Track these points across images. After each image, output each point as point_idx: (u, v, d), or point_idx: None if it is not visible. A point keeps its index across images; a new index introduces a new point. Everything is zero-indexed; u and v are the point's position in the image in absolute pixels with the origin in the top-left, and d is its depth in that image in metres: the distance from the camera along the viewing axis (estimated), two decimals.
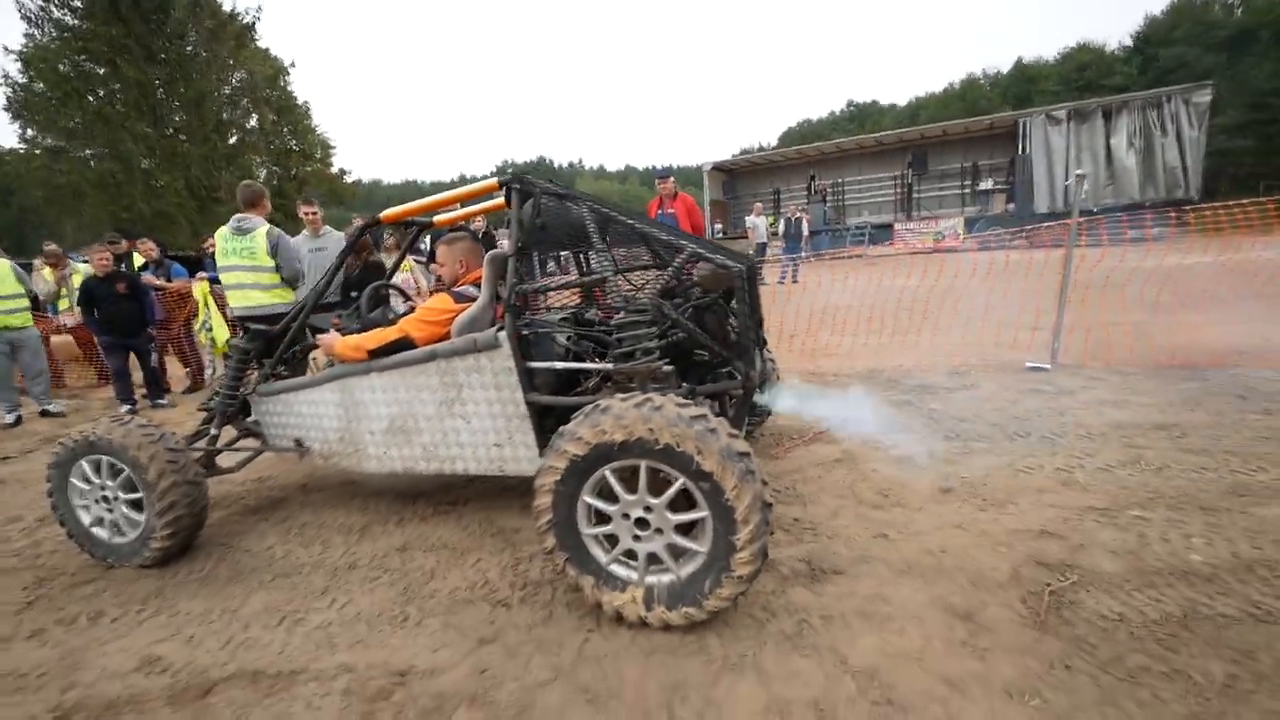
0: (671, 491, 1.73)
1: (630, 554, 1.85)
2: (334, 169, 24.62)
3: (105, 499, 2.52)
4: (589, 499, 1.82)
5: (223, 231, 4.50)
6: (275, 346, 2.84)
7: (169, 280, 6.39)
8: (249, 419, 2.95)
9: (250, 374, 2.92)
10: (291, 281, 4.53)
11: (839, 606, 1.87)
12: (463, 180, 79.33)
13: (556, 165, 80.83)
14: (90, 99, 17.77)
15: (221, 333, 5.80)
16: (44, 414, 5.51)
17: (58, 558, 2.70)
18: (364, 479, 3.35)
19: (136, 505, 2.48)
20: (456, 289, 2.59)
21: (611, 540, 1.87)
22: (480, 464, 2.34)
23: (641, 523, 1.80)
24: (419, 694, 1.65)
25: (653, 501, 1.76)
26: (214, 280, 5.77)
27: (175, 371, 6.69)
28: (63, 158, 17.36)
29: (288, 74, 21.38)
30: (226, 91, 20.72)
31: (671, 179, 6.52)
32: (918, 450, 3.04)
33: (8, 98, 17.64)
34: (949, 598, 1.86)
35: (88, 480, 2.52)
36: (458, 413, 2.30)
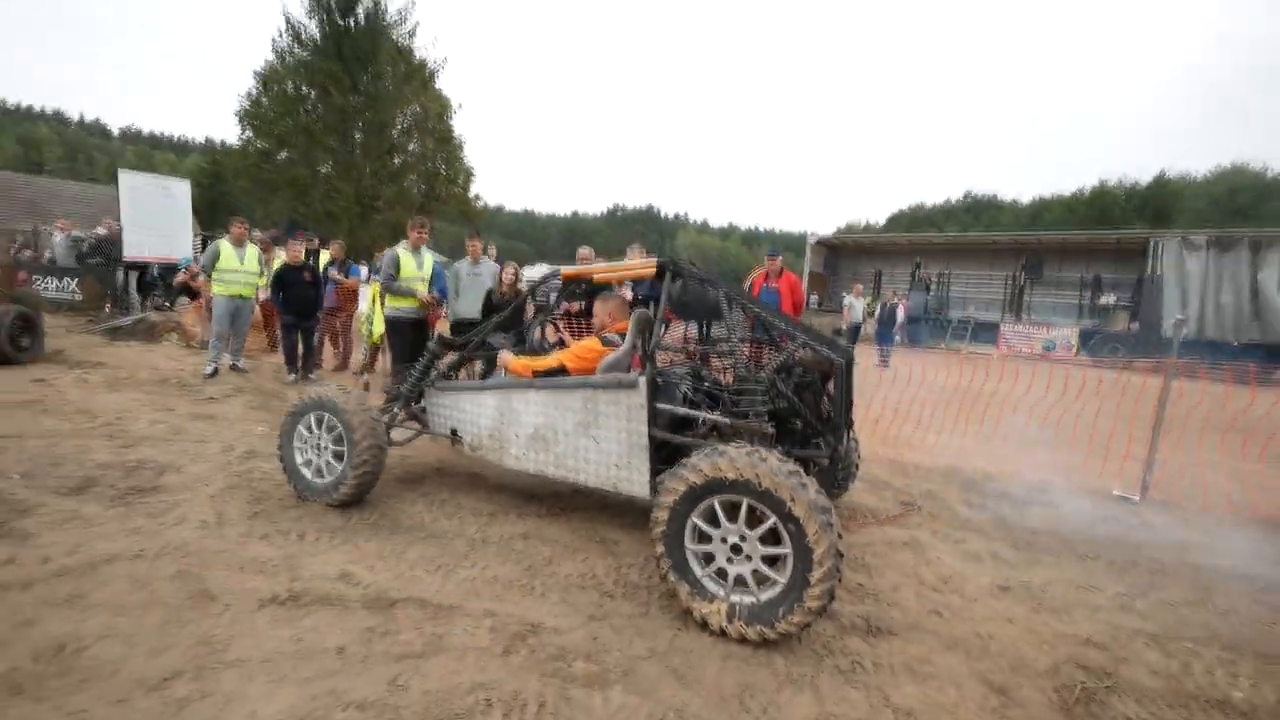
0: (764, 527, 2.19)
1: (721, 573, 2.31)
2: (470, 193, 27.41)
3: (317, 447, 3.30)
4: (697, 520, 2.31)
5: (404, 255, 5.58)
6: (465, 348, 3.57)
7: (347, 277, 7.68)
8: (417, 406, 3.69)
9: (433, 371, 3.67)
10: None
11: (889, 659, 2.20)
12: (576, 216, 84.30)
13: (663, 215, 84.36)
14: (299, 116, 21.51)
15: (379, 328, 6.88)
16: (233, 368, 6.76)
17: (265, 485, 3.52)
18: (493, 472, 4.00)
19: (338, 456, 3.23)
20: (605, 335, 3.24)
21: (708, 559, 2.34)
22: (599, 479, 2.87)
23: (735, 549, 2.27)
24: (546, 643, 2.16)
25: (747, 533, 2.23)
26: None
27: (326, 352, 7.91)
28: (270, 159, 21.07)
29: (454, 113, 24.64)
30: (402, 123, 24.10)
31: (780, 258, 7.06)
32: (984, 549, 3.26)
33: (242, 109, 21.73)
34: (988, 674, 2.15)
35: (310, 430, 3.32)
36: (592, 434, 2.86)
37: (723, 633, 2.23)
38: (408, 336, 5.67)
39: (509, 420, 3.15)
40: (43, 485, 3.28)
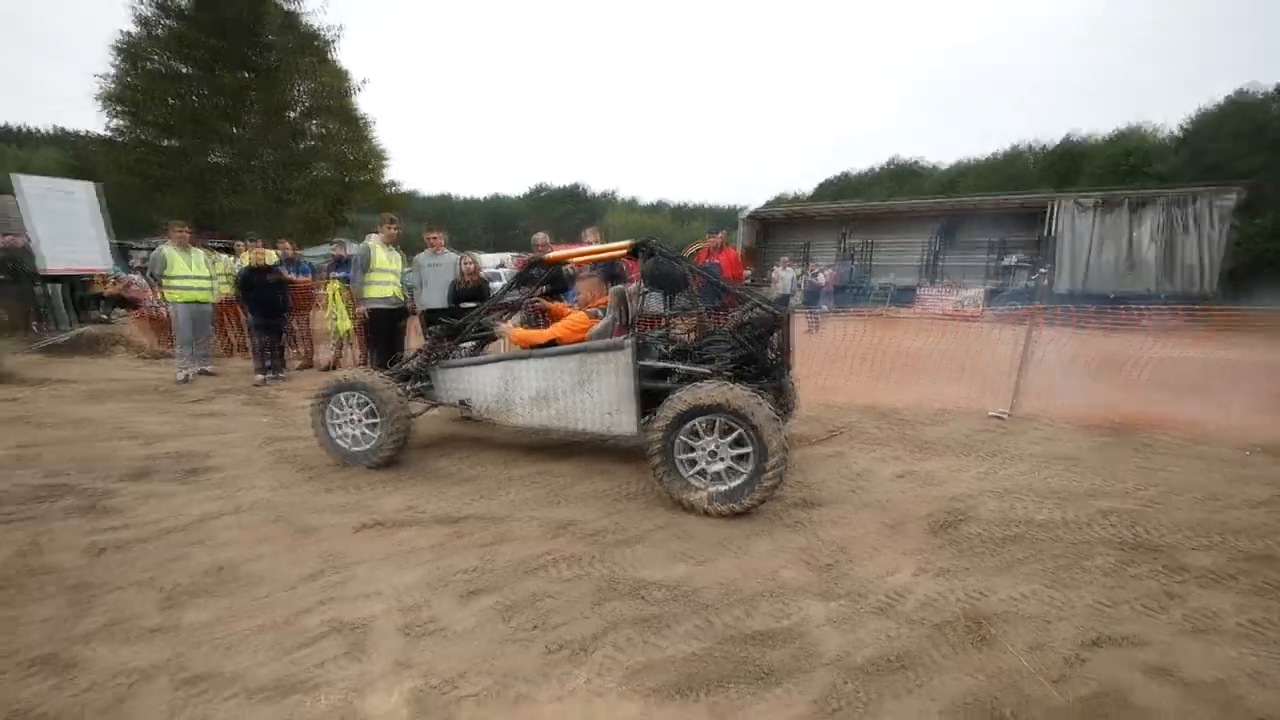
0: (733, 436, 3.21)
1: (701, 472, 3.32)
2: (384, 179, 26.75)
3: (351, 420, 4.05)
4: (683, 437, 3.30)
5: (378, 249, 6.22)
6: (457, 335, 4.38)
7: (298, 275, 8.10)
8: (419, 383, 4.41)
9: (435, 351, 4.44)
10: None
11: (820, 518, 3.31)
12: (497, 198, 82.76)
13: (590, 193, 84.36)
14: (178, 99, 20.32)
15: (344, 323, 7.43)
16: (202, 373, 7.13)
17: (306, 457, 4.22)
18: (497, 436, 4.85)
19: (372, 426, 4.00)
20: (590, 309, 4.16)
21: (692, 463, 3.34)
22: (595, 426, 3.76)
23: (711, 454, 3.28)
24: (582, 529, 3.12)
25: (720, 441, 3.24)
26: (345, 279, 7.47)
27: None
28: (157, 150, 19.86)
29: (358, 90, 23.89)
30: (301, 102, 23.20)
31: (722, 234, 8.16)
32: (889, 455, 4.48)
33: (105, 90, 20.15)
34: (886, 520, 3.30)
35: (340, 407, 4.06)
36: (587, 390, 3.74)
37: (705, 513, 3.25)
38: (385, 325, 6.33)
39: (513, 386, 3.98)
40: (103, 476, 3.86)
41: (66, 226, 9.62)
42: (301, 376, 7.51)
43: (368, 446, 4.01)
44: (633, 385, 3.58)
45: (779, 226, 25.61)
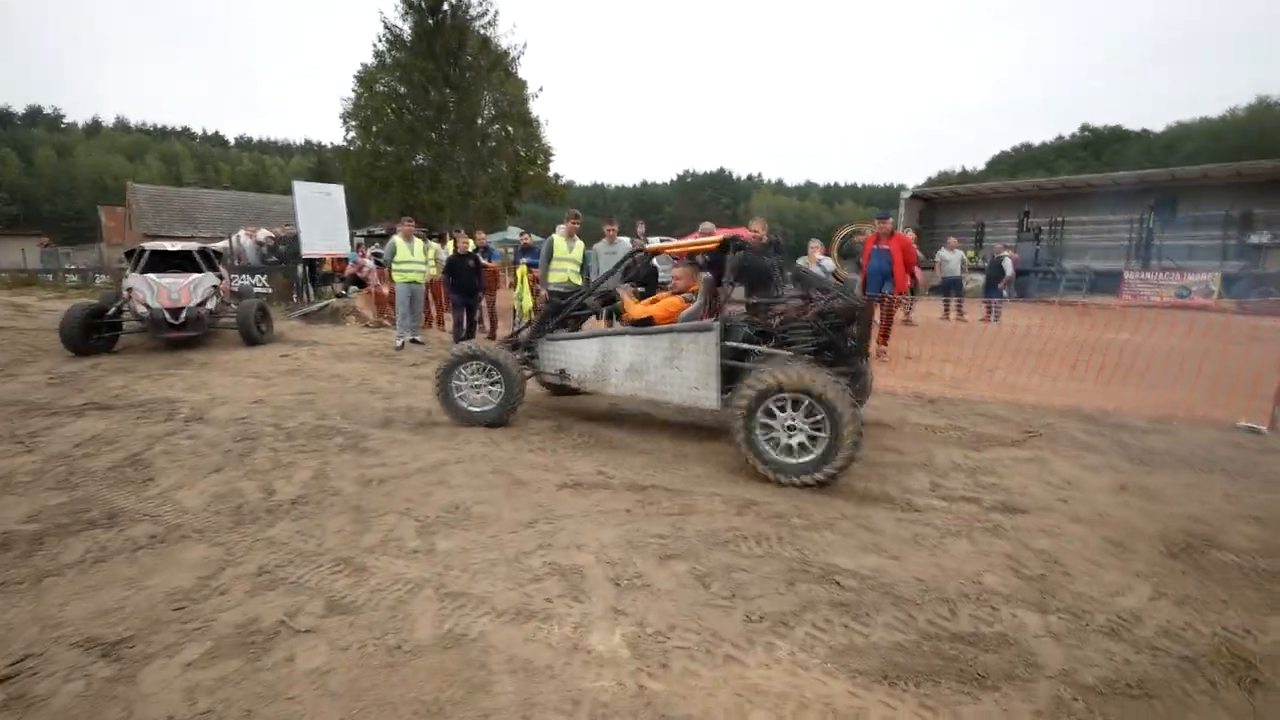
0: (814, 414, 3.31)
1: (774, 440, 3.46)
2: (550, 173, 28.67)
3: (475, 386, 4.56)
4: (763, 413, 3.44)
5: (559, 240, 6.73)
6: (570, 307, 4.76)
7: (489, 261, 9.02)
8: (525, 353, 4.70)
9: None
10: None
11: (1025, 525, 3.00)
12: (644, 186, 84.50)
13: (735, 176, 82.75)
14: (395, 114, 23.58)
15: (527, 303, 8.14)
16: (413, 341, 8.28)
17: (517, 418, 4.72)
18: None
19: (494, 386, 4.50)
20: (684, 294, 4.42)
21: (771, 438, 3.48)
22: (681, 398, 4.02)
23: (790, 428, 3.41)
24: (765, 510, 3.14)
25: (798, 416, 3.37)
26: (529, 264, 8.19)
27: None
28: (383, 157, 23.39)
29: (534, 97, 25.88)
30: (490, 110, 25.66)
31: (890, 219, 7.59)
32: (1102, 463, 3.89)
33: (345, 110, 24.11)
34: (1107, 535, 2.90)
35: (465, 376, 4.55)
36: (675, 365, 4.00)
37: (778, 482, 3.41)
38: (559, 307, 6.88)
39: (610, 359, 4.29)
40: (360, 422, 4.67)
41: (323, 220, 11.61)
42: None
43: (492, 406, 4.48)
44: (717, 363, 3.80)
45: (945, 206, 23.10)
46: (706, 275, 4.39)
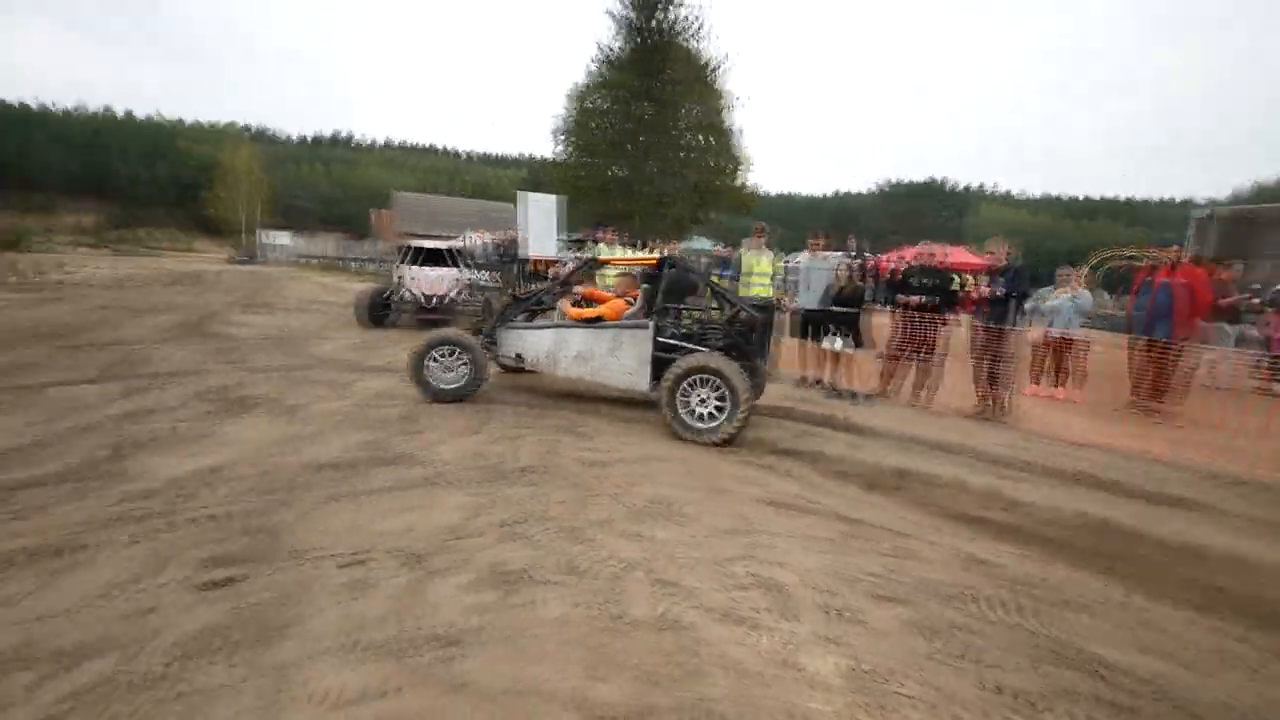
0: (716, 388, 4.41)
1: (693, 413, 4.52)
2: (739, 182, 28.61)
3: (447, 368, 5.08)
4: (682, 387, 4.49)
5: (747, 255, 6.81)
6: (522, 304, 5.65)
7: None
8: (486, 339, 5.31)
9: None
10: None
11: None
12: (841, 196, 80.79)
13: (950, 186, 74.68)
14: (600, 129, 25.70)
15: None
16: None
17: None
18: (543, 383, 5.88)
19: (464, 366, 5.06)
20: (626, 298, 5.37)
21: (686, 405, 4.53)
22: (619, 382, 5.01)
23: (701, 398, 4.48)
24: (1000, 573, 2.83)
25: (707, 392, 4.46)
26: (721, 275, 8.40)
27: None
28: (584, 168, 25.85)
29: (734, 108, 26.25)
30: (684, 121, 26.70)
31: (1183, 247, 6.33)
32: None
33: (558, 127, 26.94)
34: None
35: (436, 360, 5.04)
36: (615, 354, 4.98)
37: (692, 441, 4.44)
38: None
39: (561, 347, 5.14)
40: (570, 407, 5.23)
41: (541, 226, 13.20)
42: None
43: (461, 384, 5.04)
44: (649, 354, 4.86)
45: (1266, 228, 17.93)
46: (646, 286, 5.35)
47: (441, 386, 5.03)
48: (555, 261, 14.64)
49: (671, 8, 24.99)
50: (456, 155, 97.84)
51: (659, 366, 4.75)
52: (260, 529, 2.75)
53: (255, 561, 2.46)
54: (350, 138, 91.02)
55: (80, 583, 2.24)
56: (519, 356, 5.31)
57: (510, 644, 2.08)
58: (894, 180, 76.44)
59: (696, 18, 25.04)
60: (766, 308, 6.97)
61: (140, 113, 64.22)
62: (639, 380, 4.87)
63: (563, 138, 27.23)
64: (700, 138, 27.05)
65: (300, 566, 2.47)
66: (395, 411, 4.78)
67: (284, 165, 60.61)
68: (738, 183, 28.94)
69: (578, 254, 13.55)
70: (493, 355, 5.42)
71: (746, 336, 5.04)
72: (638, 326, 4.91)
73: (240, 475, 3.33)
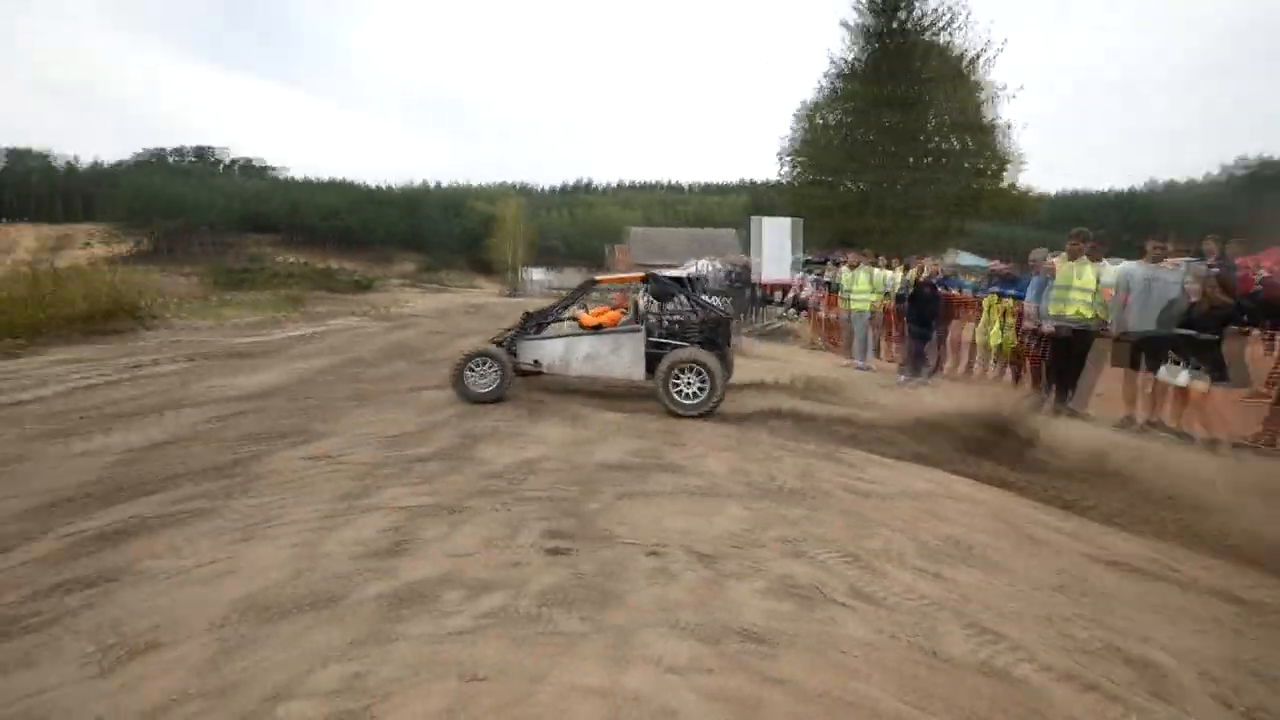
0: (699, 374, 5.37)
1: (680, 392, 5.41)
2: (1007, 183, 24.68)
3: (481, 375, 5.70)
4: (672, 375, 5.42)
5: (1061, 263, 5.78)
6: (539, 319, 6.26)
7: (959, 290, 8.53)
8: (510, 350, 6.00)
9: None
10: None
11: None
12: (1153, 186, 63.77)
13: None
14: (835, 144, 24.63)
15: (996, 338, 7.35)
16: (858, 368, 8.55)
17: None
18: (558, 384, 6.37)
19: (494, 374, 5.71)
20: (621, 309, 6.62)
21: (677, 389, 5.41)
22: (620, 375, 5.89)
23: (688, 382, 5.40)
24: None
25: (691, 376, 5.40)
26: (1002, 294, 7.40)
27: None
28: (821, 186, 25.04)
29: (1000, 98, 22.92)
30: (935, 122, 24.14)
31: None
32: None
33: (785, 148, 26.42)
34: None
35: (474, 369, 5.71)
36: (617, 353, 5.84)
37: (681, 416, 5.33)
38: (1066, 347, 5.85)
39: (572, 351, 5.97)
40: (817, 434, 5.11)
41: (776, 250, 13.31)
42: (940, 383, 7.82)
43: (492, 388, 5.69)
44: (643, 351, 5.76)
45: None
46: (635, 297, 6.93)
47: (478, 391, 5.76)
48: (788, 285, 14.59)
49: (917, 4, 23.12)
50: (679, 189, 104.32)
51: (651, 360, 5.69)
52: (576, 513, 3.23)
53: (581, 539, 2.91)
54: (590, 182, 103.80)
55: (471, 534, 2.92)
56: (536, 362, 6.14)
57: (819, 654, 2.10)
58: (1242, 157, 55.21)
59: (948, 9, 22.77)
60: (1083, 334, 5.90)
61: (445, 182, 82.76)
62: (636, 372, 5.80)
63: (788, 158, 26.75)
64: (955, 139, 24.24)
65: (613, 549, 2.84)
66: (655, 425, 5.16)
67: (539, 213, 71.82)
68: (1005, 184, 25.16)
69: (816, 276, 13.21)
70: (514, 363, 6.08)
71: (717, 333, 6.04)
72: (633, 330, 5.95)
73: (552, 468, 3.97)
